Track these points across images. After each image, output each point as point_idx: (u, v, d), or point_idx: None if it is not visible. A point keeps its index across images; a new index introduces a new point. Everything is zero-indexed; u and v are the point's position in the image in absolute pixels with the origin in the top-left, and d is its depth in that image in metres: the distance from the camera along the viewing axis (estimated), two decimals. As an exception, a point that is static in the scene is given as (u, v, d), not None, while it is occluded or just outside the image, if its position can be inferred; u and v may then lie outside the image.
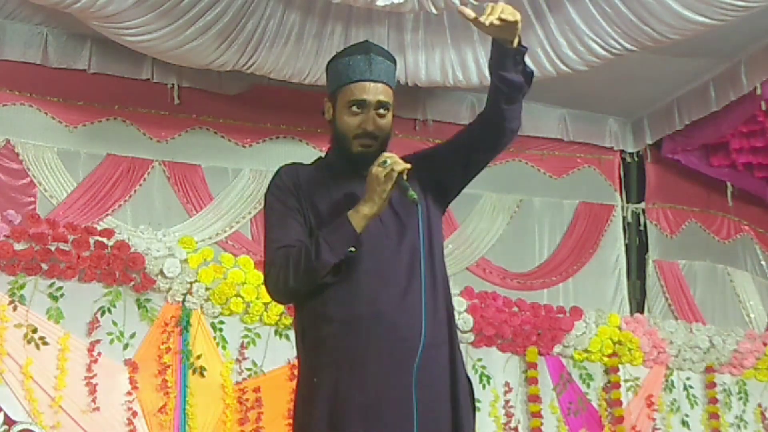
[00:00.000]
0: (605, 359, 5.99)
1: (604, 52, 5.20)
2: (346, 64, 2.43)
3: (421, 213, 2.28)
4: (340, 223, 2.27)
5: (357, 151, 2.40)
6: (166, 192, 5.74)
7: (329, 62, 2.52)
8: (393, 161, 2.25)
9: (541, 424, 5.70)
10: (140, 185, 5.67)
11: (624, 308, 6.67)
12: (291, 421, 2.44)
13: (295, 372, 5.32)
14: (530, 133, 6.69)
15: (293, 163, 2.56)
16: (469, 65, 5.42)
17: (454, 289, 5.66)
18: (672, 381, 6.21)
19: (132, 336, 4.91)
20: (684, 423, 6.13)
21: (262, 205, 2.51)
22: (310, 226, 2.38)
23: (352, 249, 2.26)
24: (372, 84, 2.39)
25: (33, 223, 4.88)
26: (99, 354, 4.79)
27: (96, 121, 5.66)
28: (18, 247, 4.78)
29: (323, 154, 2.70)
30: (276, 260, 2.32)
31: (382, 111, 2.40)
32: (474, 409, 2.41)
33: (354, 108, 2.39)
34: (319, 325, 2.34)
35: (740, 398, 6.35)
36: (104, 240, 4.96)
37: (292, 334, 5.28)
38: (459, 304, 5.58)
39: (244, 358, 5.14)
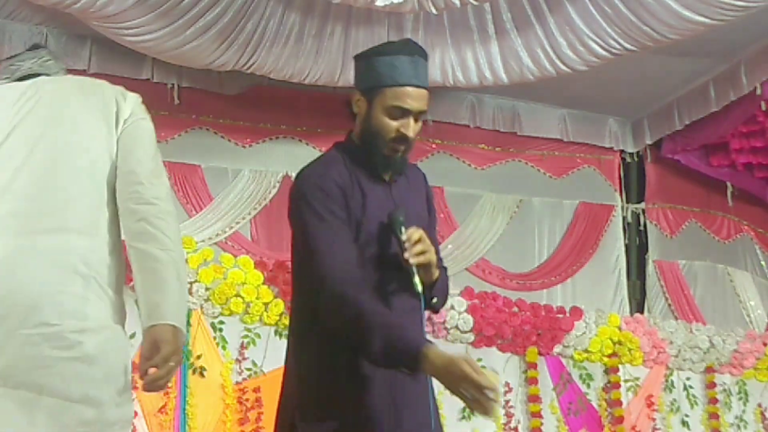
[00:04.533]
0: (605, 359, 5.98)
1: (604, 52, 5.21)
2: (390, 64, 2.32)
3: (423, 303, 2.24)
4: (409, 352, 2.09)
5: (387, 154, 2.34)
6: (166, 192, 5.74)
7: (366, 56, 2.39)
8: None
9: (541, 424, 5.70)
10: (140, 185, 5.67)
11: (624, 308, 6.67)
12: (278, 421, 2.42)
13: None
14: (530, 133, 6.70)
15: (323, 164, 2.40)
16: (469, 65, 5.43)
17: (454, 290, 5.66)
18: (672, 381, 6.20)
19: (132, 336, 4.88)
20: (684, 423, 6.12)
21: (297, 207, 2.33)
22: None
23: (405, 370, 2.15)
24: (416, 91, 2.31)
25: (33, 223, 4.87)
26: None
27: (96, 121, 5.66)
28: (18, 247, 4.77)
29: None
30: (344, 282, 2.19)
31: (419, 117, 2.35)
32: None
33: (395, 113, 2.30)
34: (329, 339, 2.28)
35: (740, 398, 6.35)
36: (104, 240, 4.95)
37: (292, 334, 5.30)
38: (459, 304, 5.58)
39: (244, 358, 5.14)
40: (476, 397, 1.98)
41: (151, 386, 2.06)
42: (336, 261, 2.21)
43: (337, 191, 2.28)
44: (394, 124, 2.31)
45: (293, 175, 6.53)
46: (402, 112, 2.30)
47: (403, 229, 2.25)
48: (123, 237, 2.08)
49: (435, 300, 2.34)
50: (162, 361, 2.03)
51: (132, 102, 2.22)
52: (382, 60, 2.33)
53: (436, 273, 2.33)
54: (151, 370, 2.03)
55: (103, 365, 1.91)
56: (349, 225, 2.27)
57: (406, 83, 2.30)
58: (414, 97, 2.30)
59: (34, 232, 1.94)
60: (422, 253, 2.24)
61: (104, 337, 1.95)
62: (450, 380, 2.01)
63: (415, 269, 2.21)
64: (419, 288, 2.20)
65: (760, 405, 6.40)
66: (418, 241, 2.24)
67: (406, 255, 2.21)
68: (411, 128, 2.31)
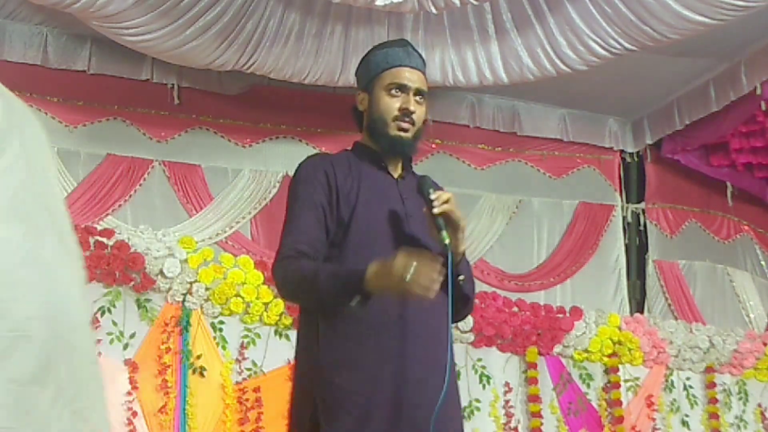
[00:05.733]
0: (605, 359, 5.99)
1: (604, 52, 5.21)
2: (384, 54, 2.49)
3: (451, 258, 2.22)
4: (355, 276, 2.19)
5: (394, 135, 2.44)
6: (166, 192, 5.75)
7: (363, 58, 2.56)
8: (423, 284, 2.16)
9: (541, 424, 5.70)
10: (140, 185, 5.68)
11: (624, 308, 6.67)
12: (291, 418, 2.40)
13: (296, 372, 5.32)
14: (530, 133, 6.70)
15: (322, 154, 2.59)
16: (469, 65, 5.42)
17: (454, 289, 5.66)
18: (672, 381, 6.20)
19: (132, 336, 4.91)
20: (684, 423, 6.13)
21: (288, 192, 2.48)
22: (339, 220, 2.36)
23: (358, 299, 2.19)
24: (411, 70, 2.46)
25: (33, 223, 4.87)
26: (99, 354, 4.78)
27: (96, 121, 5.67)
28: (18, 247, 4.77)
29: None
30: (287, 268, 2.29)
31: (419, 99, 2.46)
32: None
33: (394, 91, 2.44)
34: (345, 323, 2.29)
35: (740, 398, 6.35)
36: (104, 240, 4.96)
37: (292, 334, 5.30)
38: (459, 304, 5.58)
39: (244, 358, 5.14)
40: (418, 272, 2.07)
41: None
42: (292, 235, 2.33)
43: (322, 177, 2.39)
44: (396, 102, 2.43)
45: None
46: (400, 88, 2.44)
47: (431, 190, 2.31)
48: None
49: (462, 277, 2.35)
50: None
51: None
52: (375, 53, 2.52)
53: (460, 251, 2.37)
54: None
55: None
56: (330, 207, 2.35)
57: (400, 64, 2.46)
58: (410, 75, 2.45)
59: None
60: (448, 204, 2.29)
61: None
62: (394, 270, 2.09)
63: (442, 223, 2.26)
64: (447, 240, 2.23)
65: (760, 405, 6.40)
66: (447, 201, 2.29)
67: (435, 210, 2.27)
68: (412, 103, 2.43)
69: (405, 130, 2.43)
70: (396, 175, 2.48)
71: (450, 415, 2.30)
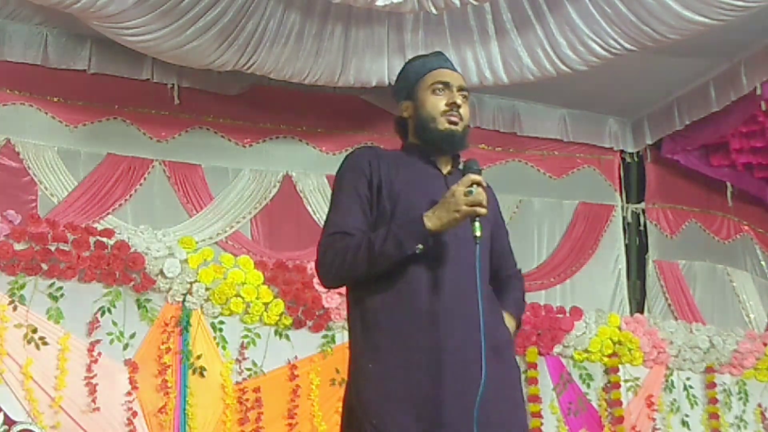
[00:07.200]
0: (605, 359, 5.99)
1: (604, 52, 5.21)
2: (422, 62, 2.60)
3: (479, 252, 2.29)
4: (412, 221, 2.29)
5: (444, 128, 2.47)
6: (166, 192, 5.75)
7: (400, 73, 2.64)
8: (478, 199, 2.27)
9: (541, 424, 5.70)
10: (140, 185, 5.68)
11: (624, 308, 6.67)
12: (343, 406, 2.40)
13: (295, 372, 5.35)
14: (530, 133, 6.70)
15: (370, 146, 2.61)
16: (469, 65, 5.42)
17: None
18: (672, 381, 6.20)
19: (132, 336, 4.91)
20: (684, 423, 6.13)
21: (333, 183, 2.53)
22: (381, 211, 2.41)
23: (420, 247, 2.27)
24: (450, 71, 2.56)
25: (33, 223, 4.88)
26: (99, 354, 4.79)
27: (96, 120, 5.67)
28: (18, 247, 4.78)
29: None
30: (334, 244, 2.36)
31: (462, 98, 2.51)
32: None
33: (438, 90, 2.50)
34: (381, 315, 2.34)
35: (740, 398, 6.35)
36: (104, 240, 4.96)
37: (292, 334, 5.31)
38: (459, 304, 5.58)
39: (244, 358, 5.14)
40: (470, 200, 2.23)
41: None
42: (336, 222, 2.40)
43: (366, 167, 2.44)
44: (442, 98, 2.49)
45: (293, 174, 6.57)
46: (444, 86, 2.51)
47: (473, 191, 2.31)
48: None
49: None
50: None
51: None
52: (412, 64, 2.62)
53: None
54: None
55: None
56: (372, 197, 2.41)
57: (439, 67, 2.56)
58: (450, 75, 2.54)
59: None
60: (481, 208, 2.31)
61: None
62: (451, 205, 2.24)
63: (477, 222, 2.29)
64: (477, 232, 2.27)
65: (760, 405, 6.40)
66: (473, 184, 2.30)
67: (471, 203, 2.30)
68: (458, 98, 2.49)
69: (455, 124, 2.47)
70: (445, 171, 2.52)
71: (499, 404, 2.32)
